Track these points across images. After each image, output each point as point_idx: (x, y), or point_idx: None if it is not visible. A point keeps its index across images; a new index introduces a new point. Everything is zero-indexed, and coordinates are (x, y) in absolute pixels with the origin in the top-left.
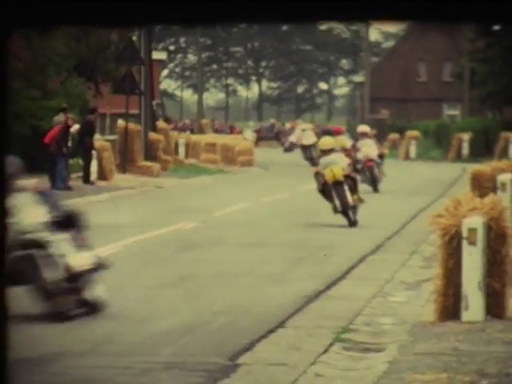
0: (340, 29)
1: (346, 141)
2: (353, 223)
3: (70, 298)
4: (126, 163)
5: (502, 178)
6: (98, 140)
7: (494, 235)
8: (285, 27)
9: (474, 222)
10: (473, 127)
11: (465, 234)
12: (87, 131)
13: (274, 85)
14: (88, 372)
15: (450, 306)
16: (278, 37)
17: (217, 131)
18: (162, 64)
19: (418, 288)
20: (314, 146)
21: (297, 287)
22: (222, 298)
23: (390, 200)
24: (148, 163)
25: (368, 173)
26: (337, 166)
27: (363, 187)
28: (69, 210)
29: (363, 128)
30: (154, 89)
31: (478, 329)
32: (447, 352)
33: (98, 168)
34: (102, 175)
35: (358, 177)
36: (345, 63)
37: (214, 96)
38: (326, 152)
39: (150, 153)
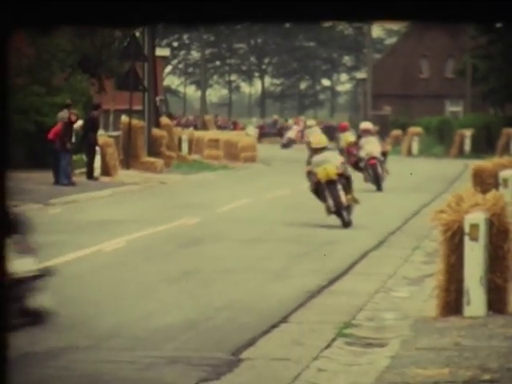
0: (343, 26)
1: (351, 137)
2: (347, 224)
3: (11, 307)
4: (129, 159)
5: (504, 174)
6: (102, 136)
7: (496, 231)
8: (288, 24)
9: (476, 217)
10: (475, 123)
11: (467, 229)
12: (91, 127)
13: (276, 81)
14: (93, 366)
15: (452, 301)
16: (281, 34)
17: (220, 127)
18: (166, 60)
19: (421, 283)
20: None
21: (299, 283)
22: (224, 294)
23: (392, 196)
24: (151, 159)
25: (371, 171)
26: (330, 164)
27: (366, 186)
28: (13, 213)
29: (366, 125)
30: (158, 85)
31: (480, 324)
32: (449, 347)
33: (102, 164)
34: (106, 171)
35: (364, 174)
36: (347, 60)
37: (217, 92)
38: (319, 150)
39: (154, 149)
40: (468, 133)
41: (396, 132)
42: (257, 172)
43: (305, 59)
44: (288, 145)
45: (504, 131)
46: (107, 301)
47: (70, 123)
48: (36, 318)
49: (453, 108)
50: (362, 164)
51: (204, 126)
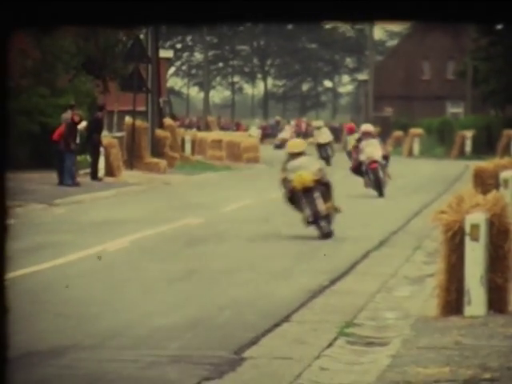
0: (345, 27)
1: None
2: (326, 235)
3: None
4: (133, 160)
5: (505, 174)
6: (106, 137)
7: (497, 231)
8: (290, 26)
9: (477, 218)
10: (476, 125)
11: (467, 229)
12: (95, 128)
13: (279, 83)
14: (96, 365)
15: (453, 300)
16: (284, 35)
17: (223, 128)
18: (169, 62)
19: (422, 283)
20: (330, 144)
21: (302, 282)
22: (227, 293)
23: (393, 195)
24: (155, 160)
25: (372, 175)
26: (306, 170)
27: (368, 191)
28: None
29: (367, 127)
30: (161, 86)
31: (481, 323)
32: (450, 346)
33: (106, 164)
34: (110, 171)
35: (365, 178)
36: (349, 61)
37: (220, 94)
38: (295, 155)
39: (157, 149)
40: (469, 134)
41: (397, 133)
42: (259, 173)
43: (307, 61)
44: (281, 145)
45: (504, 132)
46: (111, 300)
47: (74, 124)
48: None
49: (454, 109)
50: (362, 168)
51: (207, 127)
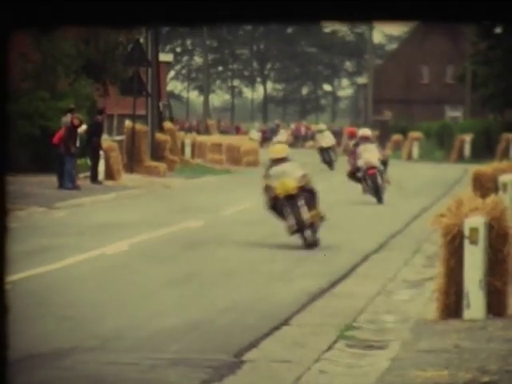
0: (344, 31)
1: None
2: (311, 245)
3: None
4: (133, 163)
5: (504, 178)
6: (106, 140)
7: (496, 235)
8: (290, 30)
9: (476, 221)
10: (475, 128)
11: (467, 233)
12: (95, 131)
13: (278, 86)
14: (97, 367)
15: (452, 304)
16: (283, 39)
17: (222, 132)
18: (169, 66)
19: (421, 286)
20: (332, 148)
21: (301, 285)
22: (227, 296)
23: (392, 199)
24: (155, 163)
25: (370, 182)
26: (289, 177)
27: (366, 198)
28: None
29: (365, 132)
30: (161, 90)
31: (479, 327)
32: (449, 349)
33: (106, 168)
34: (110, 175)
35: (363, 184)
36: (349, 65)
37: (219, 97)
38: (277, 161)
39: (157, 153)
40: (468, 138)
41: (396, 137)
42: (259, 176)
43: (306, 65)
44: None
45: (503, 136)
46: (111, 303)
47: (74, 127)
48: None
49: (453, 113)
50: (359, 174)
51: (207, 131)
